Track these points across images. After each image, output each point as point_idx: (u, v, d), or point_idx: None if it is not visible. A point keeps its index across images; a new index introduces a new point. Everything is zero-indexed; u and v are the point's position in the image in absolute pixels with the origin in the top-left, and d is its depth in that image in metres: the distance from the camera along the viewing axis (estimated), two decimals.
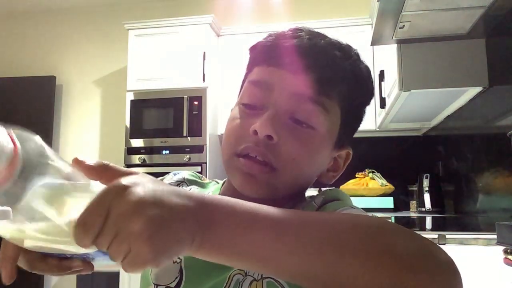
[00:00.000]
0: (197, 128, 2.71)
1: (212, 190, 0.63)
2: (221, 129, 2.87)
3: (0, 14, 3.64)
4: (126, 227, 0.30)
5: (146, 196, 0.32)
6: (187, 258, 0.55)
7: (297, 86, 0.52)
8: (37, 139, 0.33)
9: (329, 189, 0.59)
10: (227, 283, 0.50)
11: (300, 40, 0.54)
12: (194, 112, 2.73)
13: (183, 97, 2.76)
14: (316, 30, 0.57)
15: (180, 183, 0.66)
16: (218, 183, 0.66)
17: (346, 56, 0.55)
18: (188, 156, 2.69)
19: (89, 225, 0.30)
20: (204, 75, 2.76)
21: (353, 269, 0.33)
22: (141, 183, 0.33)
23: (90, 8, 3.51)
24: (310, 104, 0.52)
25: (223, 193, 0.61)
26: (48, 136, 3.30)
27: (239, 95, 0.59)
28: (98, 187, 0.33)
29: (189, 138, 2.72)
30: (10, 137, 0.30)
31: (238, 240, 0.34)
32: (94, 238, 0.31)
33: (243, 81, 0.59)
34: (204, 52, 2.78)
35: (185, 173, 0.69)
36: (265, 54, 0.56)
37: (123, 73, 3.04)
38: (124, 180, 0.32)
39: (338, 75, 0.54)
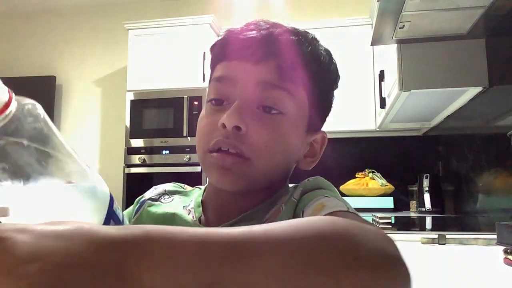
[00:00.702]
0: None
1: (195, 196, 0.63)
2: None
3: (0, 14, 3.64)
4: None
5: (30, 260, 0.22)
6: None
7: (260, 75, 0.53)
8: (39, 108, 0.33)
9: (308, 179, 0.57)
10: None
11: (256, 32, 0.55)
12: (194, 112, 2.73)
13: (183, 97, 2.76)
14: (274, 21, 0.58)
15: (162, 195, 0.65)
16: (201, 188, 0.66)
17: (303, 41, 0.56)
18: (188, 156, 2.69)
19: None
20: (204, 75, 2.76)
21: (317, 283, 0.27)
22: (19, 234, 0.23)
23: (90, 8, 3.51)
24: (275, 91, 0.53)
25: (206, 196, 0.62)
26: None
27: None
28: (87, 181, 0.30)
29: (189, 138, 2.72)
30: (10, 94, 0.31)
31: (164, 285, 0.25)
32: None
33: (209, 82, 0.60)
34: (204, 52, 2.78)
35: (166, 185, 0.68)
36: (225, 50, 0.57)
37: (123, 73, 3.04)
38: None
39: (298, 59, 0.55)
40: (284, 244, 0.28)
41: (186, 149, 2.71)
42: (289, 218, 0.52)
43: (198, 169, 2.64)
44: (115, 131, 3.26)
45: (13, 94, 0.32)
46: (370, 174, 2.65)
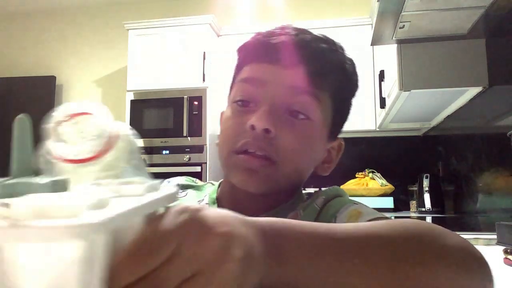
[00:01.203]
0: (197, 128, 2.71)
1: (209, 192, 0.63)
2: None
3: (0, 14, 3.64)
4: (214, 270, 0.25)
5: (232, 230, 0.27)
6: None
7: (290, 79, 0.53)
8: (130, 130, 0.36)
9: (328, 189, 0.59)
10: None
11: (287, 36, 0.55)
12: (194, 112, 2.73)
13: (183, 97, 2.76)
14: (302, 27, 0.59)
15: None
16: (213, 184, 0.67)
17: (333, 49, 0.57)
18: (188, 156, 2.69)
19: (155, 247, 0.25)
20: (204, 75, 2.76)
21: (422, 278, 0.33)
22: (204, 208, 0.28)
23: (90, 8, 3.51)
24: (304, 96, 0.53)
25: (220, 193, 0.62)
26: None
27: (229, 97, 0.60)
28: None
29: (189, 138, 2.72)
30: (117, 127, 0.34)
31: (308, 270, 0.30)
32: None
33: (232, 83, 0.60)
34: (204, 52, 2.78)
35: (179, 178, 0.69)
36: (255, 52, 0.57)
37: (123, 73, 3.04)
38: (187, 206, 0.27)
39: (328, 67, 0.56)
40: (386, 241, 0.33)
41: (186, 149, 2.70)
42: None
43: (198, 169, 2.64)
44: None
45: (120, 126, 0.34)
46: (370, 174, 2.65)
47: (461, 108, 1.95)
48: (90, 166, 0.30)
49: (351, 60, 0.60)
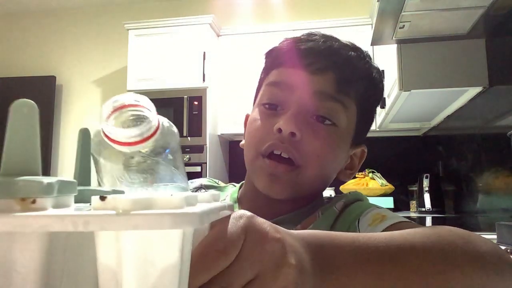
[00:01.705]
0: (197, 128, 2.71)
1: (230, 193, 0.64)
2: (221, 129, 2.87)
3: (0, 14, 3.64)
4: (273, 274, 0.26)
5: (284, 237, 0.28)
6: None
7: (318, 85, 0.54)
8: (171, 124, 0.38)
9: (349, 193, 0.60)
10: None
11: (316, 43, 0.56)
12: (194, 112, 2.73)
13: (183, 97, 2.76)
14: (328, 33, 0.60)
15: (198, 189, 0.67)
16: (235, 186, 0.68)
17: (361, 57, 0.58)
18: (188, 156, 2.69)
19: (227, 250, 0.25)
20: (204, 75, 2.76)
21: (459, 281, 0.34)
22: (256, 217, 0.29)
23: (90, 8, 3.51)
24: (331, 102, 0.54)
25: (241, 195, 0.63)
26: (48, 136, 3.30)
27: (255, 100, 0.61)
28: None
29: (189, 138, 2.72)
30: (158, 121, 0.36)
31: (355, 278, 0.31)
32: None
33: (259, 86, 0.61)
34: (204, 52, 2.78)
35: (202, 179, 0.71)
36: (283, 57, 0.58)
37: (123, 73, 3.05)
38: (244, 214, 0.28)
39: (355, 74, 0.56)
40: (424, 248, 0.34)
41: (186, 149, 2.70)
42: (328, 225, 0.55)
43: (198, 169, 2.64)
44: None
45: (161, 121, 0.36)
46: (370, 174, 2.65)
47: (461, 108, 1.95)
48: (135, 151, 0.33)
49: (377, 69, 0.61)
